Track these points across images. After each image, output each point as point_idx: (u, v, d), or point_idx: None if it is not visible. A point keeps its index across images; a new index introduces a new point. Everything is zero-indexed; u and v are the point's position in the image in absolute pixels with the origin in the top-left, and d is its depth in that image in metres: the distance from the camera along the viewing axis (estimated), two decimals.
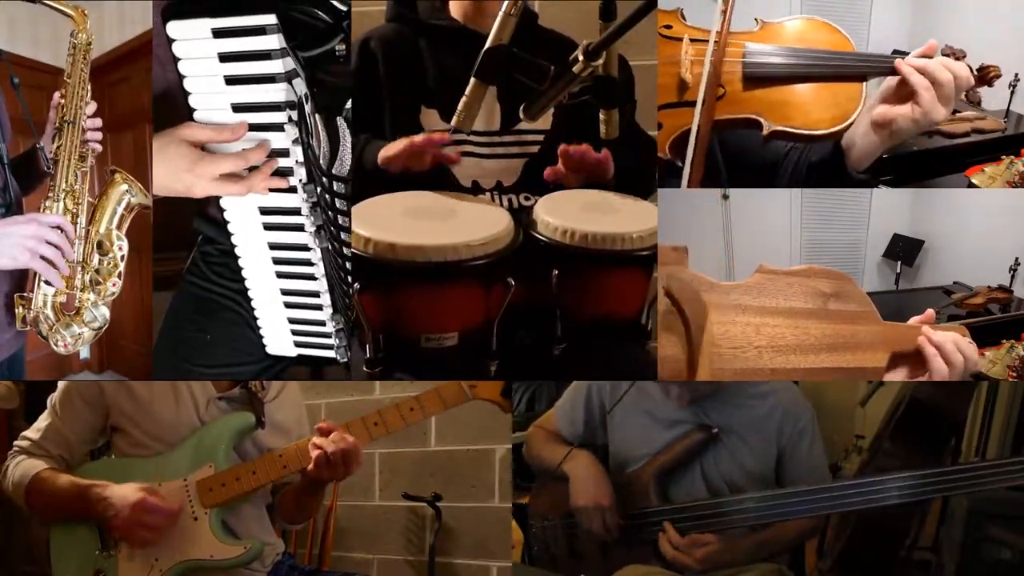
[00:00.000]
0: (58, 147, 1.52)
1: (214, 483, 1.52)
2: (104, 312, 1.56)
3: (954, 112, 1.79)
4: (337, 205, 1.45)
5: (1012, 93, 1.94)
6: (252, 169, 1.44)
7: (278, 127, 1.41)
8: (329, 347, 1.65)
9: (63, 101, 1.52)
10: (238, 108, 1.40)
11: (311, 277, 1.56)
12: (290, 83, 1.36)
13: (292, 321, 1.63)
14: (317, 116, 1.41)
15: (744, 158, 1.61)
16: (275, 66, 1.34)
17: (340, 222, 1.46)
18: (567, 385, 1.96)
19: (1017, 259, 2.13)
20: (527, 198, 1.69)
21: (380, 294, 1.38)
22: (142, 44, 2.62)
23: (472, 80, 1.37)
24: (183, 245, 1.75)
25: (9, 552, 2.69)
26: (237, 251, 1.56)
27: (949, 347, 1.31)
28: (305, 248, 1.52)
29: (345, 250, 1.44)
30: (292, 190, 1.46)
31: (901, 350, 1.33)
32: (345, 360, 1.66)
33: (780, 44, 1.56)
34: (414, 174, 1.56)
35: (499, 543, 2.39)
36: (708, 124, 1.53)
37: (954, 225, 2.43)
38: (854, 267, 2.54)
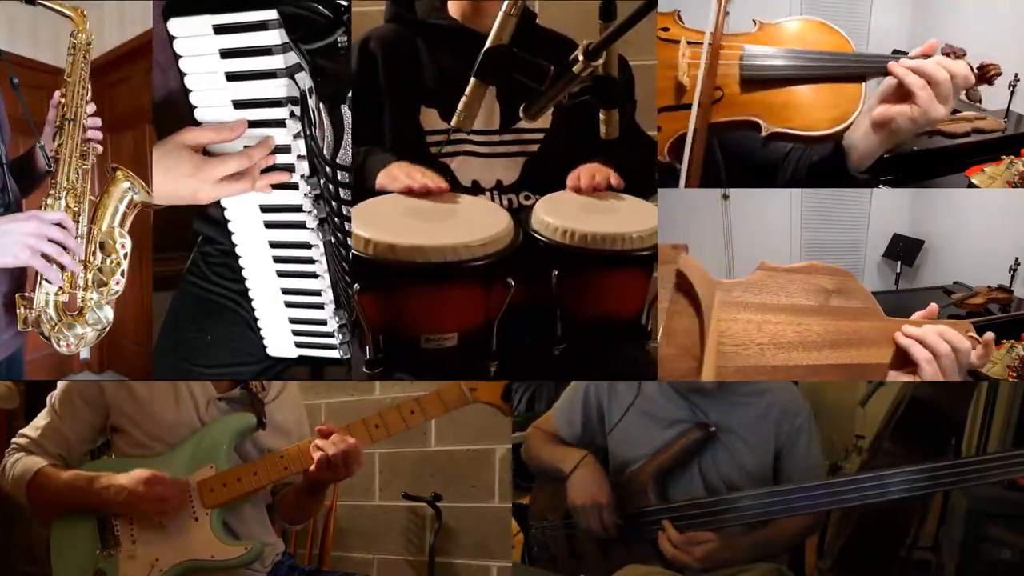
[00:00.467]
0: (59, 145, 1.52)
1: (215, 483, 1.52)
2: (108, 312, 1.56)
3: (954, 112, 1.78)
4: (341, 195, 1.45)
5: (1012, 93, 1.94)
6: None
7: (279, 123, 1.41)
8: (330, 347, 1.65)
9: (63, 100, 1.52)
10: (239, 105, 1.40)
11: (312, 275, 1.56)
12: (292, 78, 1.36)
13: (293, 321, 1.63)
14: (321, 105, 1.40)
15: (744, 159, 1.61)
16: (276, 61, 1.34)
17: (344, 212, 1.45)
18: (567, 385, 1.96)
19: (1017, 259, 2.13)
20: (527, 197, 1.70)
21: (380, 295, 1.38)
22: (142, 44, 2.62)
23: (472, 80, 1.37)
24: (183, 245, 1.75)
25: (9, 552, 2.69)
26: (238, 250, 1.56)
27: (931, 337, 1.28)
28: (306, 246, 1.52)
29: (349, 240, 1.44)
30: (294, 187, 1.46)
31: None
32: (347, 357, 1.66)
33: (778, 46, 1.56)
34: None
35: (499, 543, 2.39)
36: (704, 126, 1.53)
37: (954, 225, 2.43)
38: (854, 267, 2.54)
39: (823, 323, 1.30)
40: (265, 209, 1.50)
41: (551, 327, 1.49)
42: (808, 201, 2.48)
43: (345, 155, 1.47)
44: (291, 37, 1.33)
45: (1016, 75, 1.95)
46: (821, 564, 2.23)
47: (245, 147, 1.42)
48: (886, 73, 1.47)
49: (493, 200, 1.69)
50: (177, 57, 1.35)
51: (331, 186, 1.45)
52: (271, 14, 1.30)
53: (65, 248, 1.47)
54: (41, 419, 1.61)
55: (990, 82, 1.51)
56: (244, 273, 1.59)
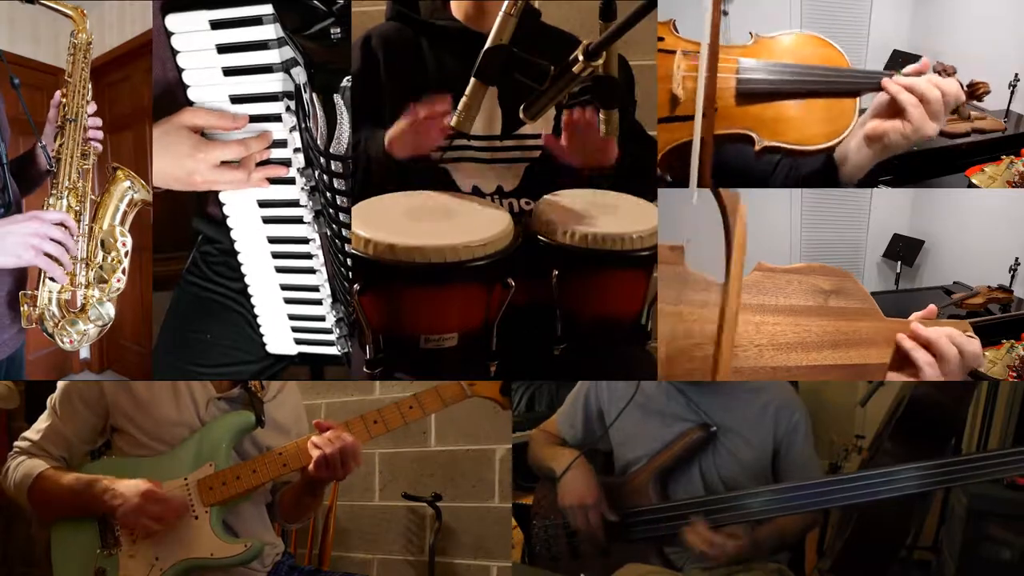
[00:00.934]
0: (60, 145, 1.52)
1: (215, 482, 1.52)
2: (109, 309, 1.57)
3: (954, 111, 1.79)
4: (335, 186, 1.46)
5: (1012, 93, 1.94)
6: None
7: (275, 117, 1.42)
8: (329, 343, 1.66)
9: (64, 100, 1.52)
10: (236, 99, 1.41)
11: (310, 271, 1.56)
12: (288, 72, 1.37)
13: (292, 317, 1.63)
14: (315, 95, 1.41)
15: (734, 170, 1.61)
16: (272, 56, 1.35)
17: (339, 203, 1.46)
18: (567, 385, 1.97)
19: (1017, 259, 2.13)
20: (527, 203, 1.69)
21: (380, 295, 1.38)
22: (142, 44, 2.62)
23: (472, 80, 1.37)
24: (183, 245, 1.75)
25: (9, 552, 2.69)
26: (236, 247, 1.56)
27: (943, 341, 1.29)
28: (304, 241, 1.53)
29: (344, 232, 1.44)
30: (290, 181, 1.46)
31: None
32: (346, 351, 1.66)
33: (774, 59, 1.57)
34: (421, 159, 1.55)
35: (499, 543, 2.39)
36: (710, 136, 1.53)
37: (954, 225, 2.43)
38: (854, 267, 2.54)
39: (821, 324, 1.31)
40: (263, 204, 1.50)
41: (551, 327, 1.49)
42: (808, 201, 2.48)
43: (339, 145, 1.46)
44: (284, 28, 1.35)
45: (1016, 75, 1.96)
46: (821, 564, 2.23)
47: (244, 138, 1.42)
48: (879, 89, 1.49)
49: (494, 203, 1.69)
50: (175, 52, 1.36)
51: (326, 177, 1.45)
52: (266, 8, 1.32)
53: (66, 248, 1.47)
54: (42, 421, 1.61)
55: (979, 99, 1.57)
56: (243, 270, 1.59)
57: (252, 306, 1.64)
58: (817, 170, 1.57)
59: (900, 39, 2.23)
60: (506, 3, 1.33)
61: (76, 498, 1.49)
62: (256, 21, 1.33)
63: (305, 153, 1.44)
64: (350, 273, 1.40)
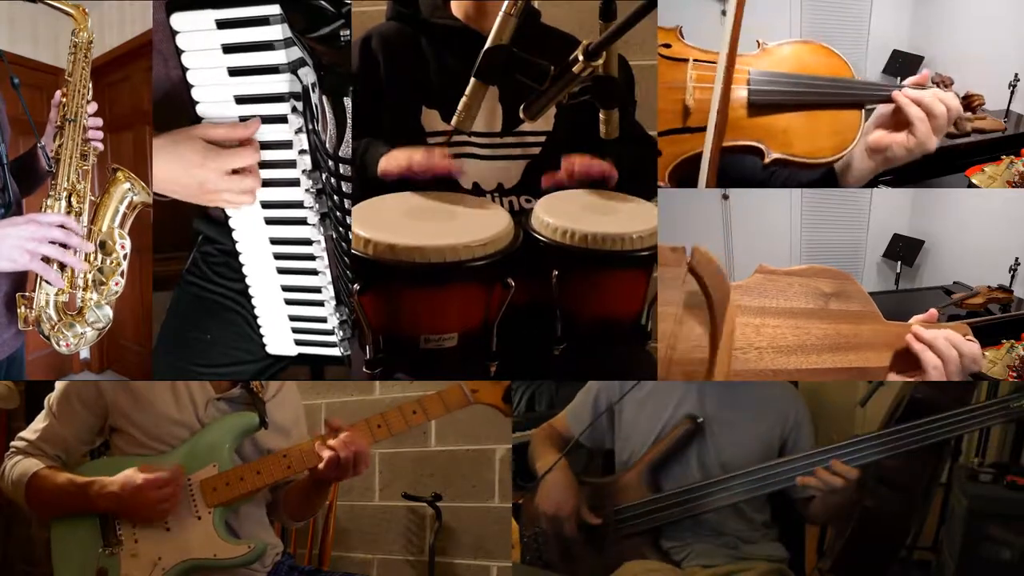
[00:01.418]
0: (60, 146, 1.51)
1: (218, 483, 1.52)
2: (107, 312, 1.56)
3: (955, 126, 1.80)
4: (344, 189, 1.45)
5: (1012, 93, 1.94)
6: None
7: (281, 119, 1.41)
8: (330, 344, 1.65)
9: (64, 100, 1.52)
10: (241, 100, 1.40)
11: (312, 272, 1.56)
12: (294, 73, 1.36)
13: (293, 319, 1.63)
14: (324, 98, 1.40)
15: (733, 180, 1.63)
16: (279, 56, 1.35)
17: (347, 207, 1.45)
18: (567, 385, 1.97)
19: (1017, 259, 2.13)
20: (528, 200, 1.69)
21: (380, 295, 1.38)
22: (142, 44, 2.62)
23: (472, 80, 1.37)
24: (183, 245, 1.75)
25: (9, 552, 2.69)
26: (238, 247, 1.56)
27: (941, 343, 1.31)
28: (307, 242, 1.52)
29: (350, 234, 1.44)
30: (295, 183, 1.46)
31: (903, 348, 1.33)
32: (347, 354, 1.66)
33: (780, 69, 1.58)
34: (415, 181, 1.57)
35: (499, 543, 2.39)
36: (718, 151, 1.54)
37: (954, 225, 2.43)
38: (854, 267, 2.54)
39: (822, 326, 1.31)
40: (266, 205, 1.50)
41: (551, 327, 1.49)
42: (808, 201, 2.48)
43: (348, 148, 1.47)
44: (293, 29, 1.33)
45: (1016, 75, 1.96)
46: (821, 564, 2.23)
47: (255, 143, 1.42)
48: (884, 100, 1.51)
49: (493, 203, 1.69)
50: (180, 52, 1.35)
51: (333, 180, 1.45)
52: (273, 9, 1.31)
53: (67, 247, 1.47)
54: (39, 421, 1.61)
55: (974, 111, 1.59)
56: (244, 270, 1.59)
57: (252, 307, 1.64)
58: (816, 181, 1.59)
59: (900, 39, 2.23)
60: (506, 3, 1.33)
61: (72, 498, 1.50)
62: (263, 21, 1.32)
63: (312, 156, 1.43)
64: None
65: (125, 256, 1.57)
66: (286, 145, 1.43)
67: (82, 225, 1.52)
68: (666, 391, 1.81)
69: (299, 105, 1.39)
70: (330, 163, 1.43)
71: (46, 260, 1.46)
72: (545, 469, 1.82)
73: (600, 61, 1.30)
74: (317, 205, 1.47)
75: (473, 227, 1.41)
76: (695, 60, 1.56)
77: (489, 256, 1.38)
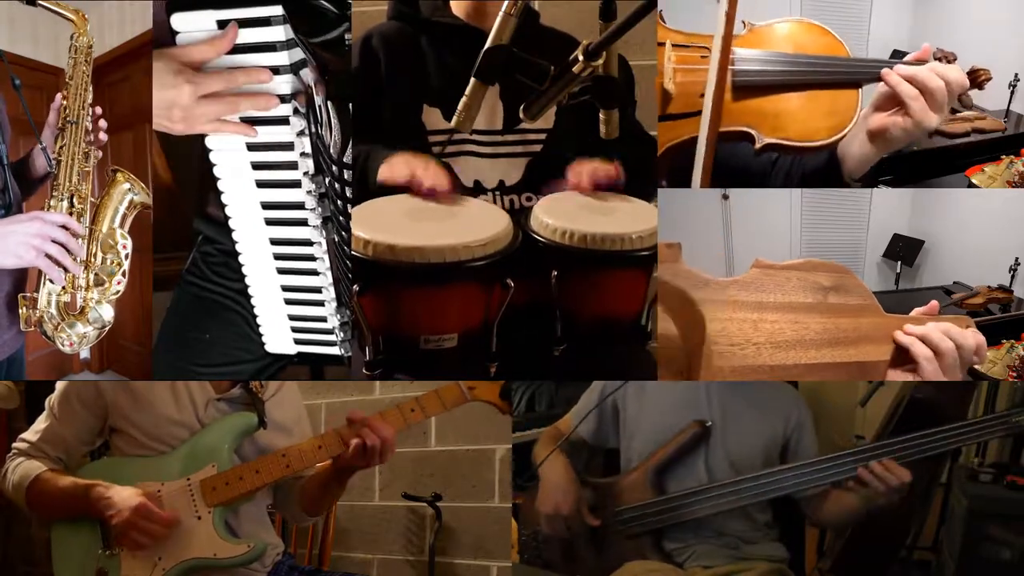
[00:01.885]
0: (61, 147, 1.52)
1: (217, 482, 1.53)
2: (108, 311, 1.56)
3: (953, 112, 1.78)
4: (347, 194, 1.45)
5: (1012, 93, 1.94)
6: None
7: (283, 120, 1.40)
8: (330, 343, 1.65)
9: (65, 102, 1.52)
10: None
11: (313, 273, 1.56)
12: (296, 74, 1.36)
13: (293, 318, 1.63)
14: (329, 104, 1.39)
15: (732, 168, 1.58)
16: (280, 58, 1.33)
17: (350, 211, 1.45)
18: (567, 385, 1.96)
19: (1017, 259, 2.13)
20: (528, 199, 1.69)
21: (380, 296, 1.38)
22: (142, 44, 2.62)
23: (472, 80, 1.37)
24: (183, 245, 1.75)
25: (9, 552, 2.69)
26: (238, 247, 1.56)
27: (935, 335, 1.26)
28: (308, 243, 1.52)
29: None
30: (296, 184, 1.45)
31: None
32: (348, 355, 1.66)
33: (770, 49, 1.50)
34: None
35: (499, 543, 2.39)
36: (715, 136, 1.47)
37: (954, 225, 2.43)
38: (854, 267, 2.54)
39: (821, 321, 1.27)
40: (267, 206, 1.50)
41: (551, 327, 1.49)
42: (808, 201, 2.49)
43: (352, 154, 1.46)
44: (297, 33, 1.33)
45: (1016, 75, 1.96)
46: (821, 564, 2.23)
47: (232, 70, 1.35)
48: (878, 80, 1.43)
49: (494, 201, 1.69)
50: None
51: (337, 185, 1.44)
52: (276, 10, 1.30)
53: (68, 250, 1.47)
54: (40, 422, 1.61)
55: (980, 87, 1.49)
56: (244, 270, 1.59)
57: (252, 306, 1.64)
58: (820, 167, 1.53)
59: (900, 39, 2.23)
60: (506, 3, 1.33)
61: (73, 502, 1.50)
62: (265, 22, 1.30)
63: (315, 160, 1.43)
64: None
65: (126, 256, 1.57)
66: (287, 147, 1.42)
67: (83, 226, 1.53)
68: (671, 391, 1.81)
69: (300, 107, 1.38)
70: (334, 168, 1.43)
71: (50, 258, 1.46)
72: (539, 460, 1.82)
73: (600, 61, 1.30)
74: (320, 208, 1.47)
75: (473, 227, 1.41)
76: (673, 44, 1.50)
77: (489, 256, 1.38)
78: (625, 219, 1.52)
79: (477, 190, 1.69)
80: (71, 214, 1.51)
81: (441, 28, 1.70)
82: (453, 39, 1.68)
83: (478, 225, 1.43)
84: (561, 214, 1.50)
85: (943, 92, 1.37)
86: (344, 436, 1.53)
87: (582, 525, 1.77)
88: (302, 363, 1.75)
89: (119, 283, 1.57)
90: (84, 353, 1.60)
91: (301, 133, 1.40)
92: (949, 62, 1.42)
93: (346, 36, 1.38)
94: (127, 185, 1.57)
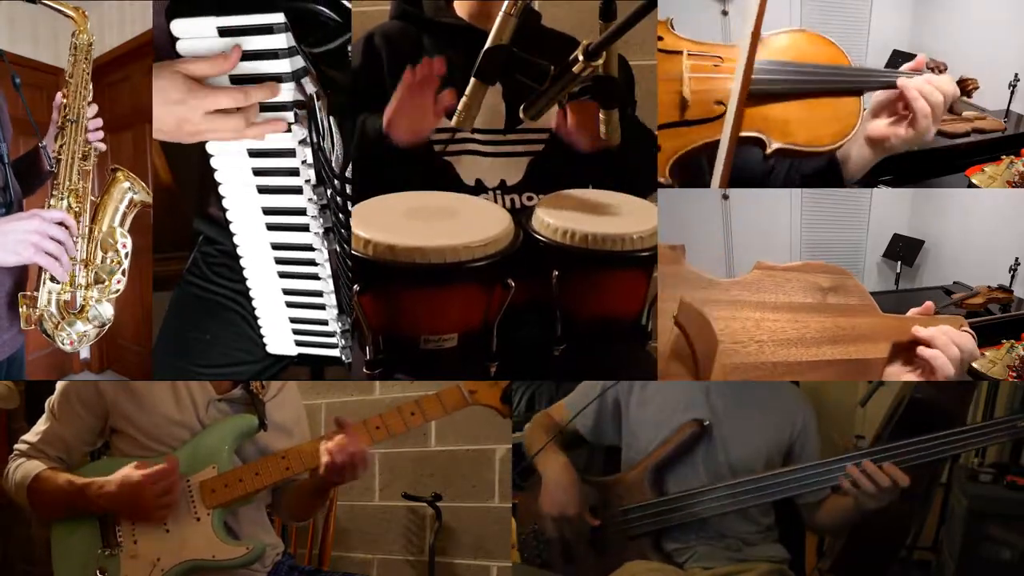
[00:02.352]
0: (61, 146, 1.52)
1: (217, 484, 1.53)
2: (108, 310, 1.57)
3: (951, 111, 1.79)
4: (349, 208, 1.44)
5: (1012, 93, 1.94)
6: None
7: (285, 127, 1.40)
8: (331, 346, 1.65)
9: (65, 100, 1.52)
10: None
11: (314, 277, 1.56)
12: (298, 82, 1.35)
13: (294, 320, 1.63)
14: (331, 118, 1.39)
15: (733, 171, 1.61)
16: (282, 65, 1.32)
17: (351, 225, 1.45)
18: (567, 385, 1.96)
19: (1017, 259, 2.12)
20: (529, 198, 1.69)
21: (380, 295, 1.38)
22: (142, 44, 2.62)
23: (472, 80, 1.37)
24: (183, 245, 1.75)
25: (9, 552, 2.69)
26: (239, 251, 1.56)
27: (942, 339, 1.31)
28: (309, 248, 1.52)
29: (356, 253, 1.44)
30: (298, 191, 1.45)
31: (901, 340, 1.34)
32: (349, 361, 1.66)
33: (776, 58, 1.56)
34: (420, 145, 1.55)
35: (499, 543, 2.39)
36: (735, 140, 1.52)
37: (954, 225, 2.43)
38: (854, 267, 2.54)
39: (821, 320, 1.31)
40: (268, 212, 1.50)
41: (551, 327, 1.49)
42: (808, 201, 2.48)
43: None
44: (298, 43, 1.32)
45: (1016, 75, 1.96)
46: (821, 564, 2.23)
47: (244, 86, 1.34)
48: (882, 87, 1.50)
49: (496, 200, 1.69)
50: (180, 58, 1.34)
51: (339, 198, 1.44)
52: (277, 17, 1.28)
53: (65, 248, 1.47)
54: (41, 424, 1.62)
55: (969, 95, 1.59)
56: (245, 272, 1.59)
57: (253, 307, 1.64)
58: (820, 169, 1.57)
59: (900, 39, 2.23)
60: (506, 3, 1.33)
61: (72, 499, 1.50)
62: (267, 30, 1.29)
63: (317, 172, 1.42)
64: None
65: (126, 255, 1.57)
66: (289, 153, 1.42)
67: (83, 225, 1.53)
68: (673, 391, 1.81)
69: (302, 115, 1.37)
70: (336, 182, 1.43)
71: (49, 256, 1.46)
72: (533, 452, 1.81)
73: (600, 61, 1.30)
74: (321, 219, 1.47)
75: (473, 227, 1.41)
76: (689, 52, 1.55)
77: (489, 256, 1.38)
78: (626, 219, 1.52)
79: (479, 189, 1.69)
80: (71, 213, 1.51)
81: (444, 29, 1.70)
82: (456, 39, 1.68)
83: (479, 225, 1.43)
84: (562, 214, 1.50)
85: (941, 106, 1.46)
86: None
87: (584, 525, 1.77)
88: (303, 364, 1.75)
89: (119, 282, 1.57)
90: (84, 353, 1.60)
91: (303, 142, 1.40)
92: (940, 72, 1.49)
93: (348, 48, 1.36)
94: (127, 184, 1.57)
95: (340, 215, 1.45)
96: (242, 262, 1.57)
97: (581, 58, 1.29)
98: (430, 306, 1.38)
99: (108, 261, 1.55)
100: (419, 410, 1.57)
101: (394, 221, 1.43)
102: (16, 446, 1.60)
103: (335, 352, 1.67)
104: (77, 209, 1.52)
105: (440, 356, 1.41)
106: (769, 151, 1.54)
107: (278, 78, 1.33)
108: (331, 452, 1.49)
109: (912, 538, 2.32)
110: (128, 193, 1.57)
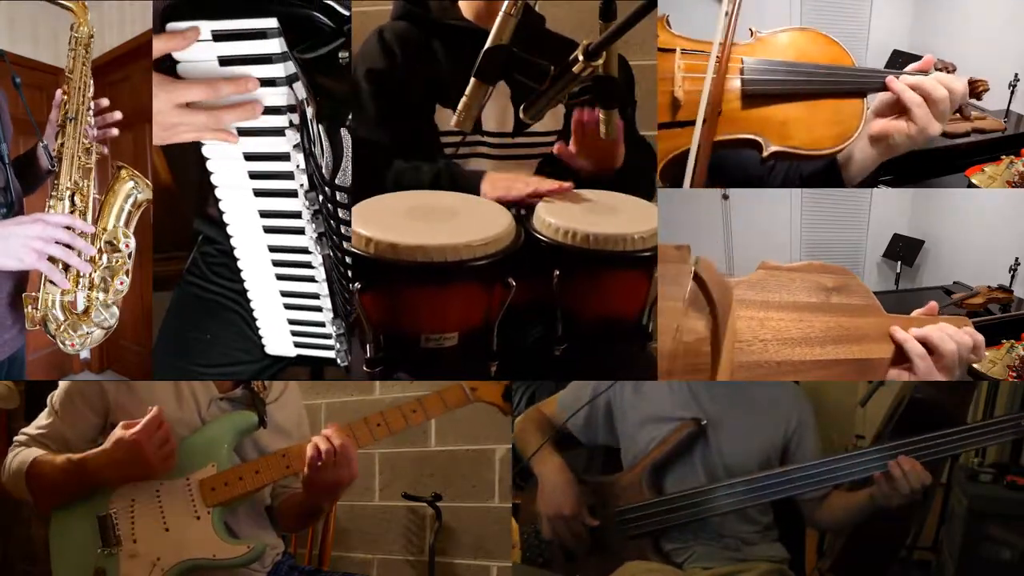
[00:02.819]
0: (61, 144, 1.51)
1: (217, 482, 1.52)
2: (114, 312, 1.56)
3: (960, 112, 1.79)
4: (340, 215, 1.44)
5: (1012, 93, 1.94)
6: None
7: (279, 131, 1.40)
8: (329, 347, 1.65)
9: (65, 98, 1.51)
10: None
11: (311, 279, 1.56)
12: (291, 87, 1.35)
13: (292, 322, 1.63)
14: (320, 126, 1.39)
15: (729, 173, 1.60)
16: (276, 70, 1.32)
17: (343, 231, 1.45)
18: (567, 385, 1.96)
19: (1017, 259, 2.12)
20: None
21: (381, 294, 1.38)
22: (142, 44, 2.62)
23: (472, 80, 1.37)
24: (183, 245, 1.75)
25: (9, 550, 2.69)
26: (236, 253, 1.56)
27: (935, 335, 1.30)
28: (305, 251, 1.52)
29: (348, 259, 1.44)
30: (293, 194, 1.45)
31: None
32: (345, 364, 1.66)
33: (776, 58, 1.53)
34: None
35: (499, 543, 2.39)
36: (709, 143, 1.49)
37: (954, 225, 2.42)
38: (854, 267, 2.54)
39: (825, 320, 1.31)
40: (264, 215, 1.50)
41: (552, 327, 1.49)
42: (808, 201, 2.48)
43: (344, 176, 1.45)
44: (290, 48, 1.31)
45: (1016, 75, 1.96)
46: (821, 564, 2.23)
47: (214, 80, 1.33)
48: (884, 88, 1.47)
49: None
50: (175, 62, 1.34)
51: (330, 205, 1.44)
52: (271, 22, 1.28)
53: (72, 248, 1.46)
54: (42, 419, 1.61)
55: (979, 98, 1.54)
56: (243, 275, 1.59)
57: (251, 309, 1.64)
58: (819, 171, 1.55)
59: (900, 39, 2.23)
60: (506, 3, 1.33)
61: (71, 478, 1.49)
62: (260, 35, 1.29)
63: (309, 178, 1.43)
64: (352, 296, 1.40)
65: (130, 255, 1.56)
66: (284, 157, 1.42)
67: (88, 223, 1.52)
68: (668, 391, 1.81)
69: (296, 119, 1.37)
70: (326, 189, 1.43)
71: (52, 260, 1.45)
72: (529, 453, 1.81)
73: (600, 61, 1.30)
74: (314, 225, 1.47)
75: (474, 226, 1.42)
76: (682, 50, 1.52)
77: (490, 256, 1.38)
78: (627, 220, 1.53)
79: None
80: (73, 212, 1.50)
81: (451, 30, 1.70)
82: (464, 40, 1.68)
83: (480, 224, 1.43)
84: (564, 213, 1.50)
85: (946, 101, 1.42)
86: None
87: (582, 526, 1.77)
88: (302, 365, 1.75)
89: (123, 283, 1.56)
90: (84, 353, 1.59)
91: (296, 147, 1.40)
92: (950, 72, 1.45)
93: (340, 54, 1.36)
94: (131, 183, 1.56)
95: (331, 221, 1.45)
96: (240, 264, 1.57)
97: (581, 58, 1.29)
98: (431, 305, 1.38)
99: (115, 262, 1.54)
100: (420, 407, 1.57)
101: (395, 220, 1.43)
102: (16, 438, 1.59)
103: (332, 354, 1.67)
104: (80, 208, 1.51)
105: (441, 355, 1.41)
106: (766, 154, 1.52)
107: (272, 82, 1.33)
108: (316, 443, 1.48)
109: (912, 538, 2.32)
110: (133, 192, 1.56)
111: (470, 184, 1.59)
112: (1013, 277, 2.12)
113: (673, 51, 1.53)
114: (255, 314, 1.64)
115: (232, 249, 1.56)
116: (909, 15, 2.29)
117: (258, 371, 1.70)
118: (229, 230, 1.53)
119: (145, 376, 1.71)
